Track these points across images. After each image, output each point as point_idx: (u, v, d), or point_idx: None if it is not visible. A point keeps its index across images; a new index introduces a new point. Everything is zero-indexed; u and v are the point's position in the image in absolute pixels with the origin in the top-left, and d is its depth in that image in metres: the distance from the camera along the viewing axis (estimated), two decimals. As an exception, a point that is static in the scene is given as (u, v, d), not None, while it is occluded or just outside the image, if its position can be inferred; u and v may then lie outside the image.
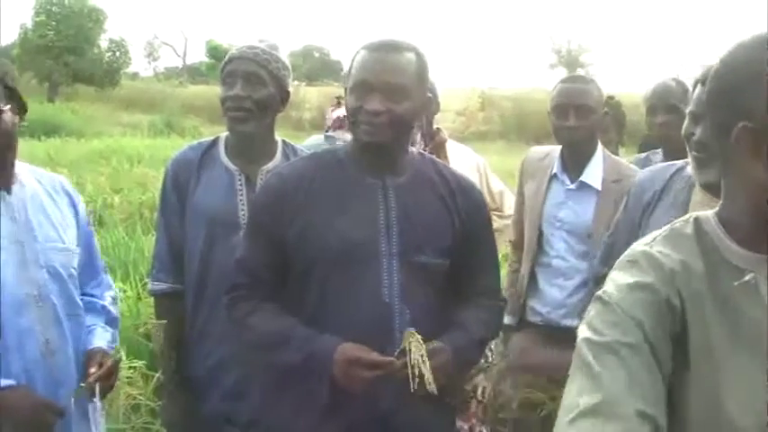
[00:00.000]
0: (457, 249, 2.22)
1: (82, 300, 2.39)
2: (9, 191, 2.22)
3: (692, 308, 1.20)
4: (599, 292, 1.28)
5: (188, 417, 2.67)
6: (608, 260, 2.41)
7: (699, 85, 2.19)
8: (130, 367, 4.16)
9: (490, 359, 2.92)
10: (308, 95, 28.73)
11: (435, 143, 3.68)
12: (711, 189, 2.16)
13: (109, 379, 2.30)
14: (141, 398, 4.02)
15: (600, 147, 3.31)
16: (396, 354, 2.03)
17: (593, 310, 1.26)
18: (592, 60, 51.23)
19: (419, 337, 2.01)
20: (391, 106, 2.09)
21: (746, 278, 1.17)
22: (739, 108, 1.16)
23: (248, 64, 2.58)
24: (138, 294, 5.01)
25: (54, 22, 35.01)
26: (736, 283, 1.18)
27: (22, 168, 2.29)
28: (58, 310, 2.24)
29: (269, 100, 2.61)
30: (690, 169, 2.28)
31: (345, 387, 2.04)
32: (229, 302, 2.27)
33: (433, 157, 2.44)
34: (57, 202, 2.35)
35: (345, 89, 2.23)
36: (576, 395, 1.15)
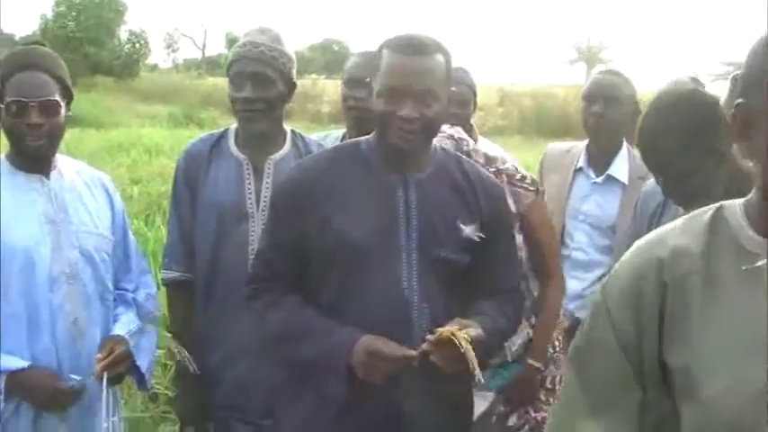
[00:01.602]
0: (477, 246, 2.22)
1: (113, 292, 2.43)
2: (48, 176, 2.31)
3: (675, 291, 1.23)
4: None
5: (201, 407, 2.70)
6: None
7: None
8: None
9: (558, 349, 2.92)
10: (326, 88, 28.71)
11: None
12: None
13: (117, 367, 2.32)
14: (159, 387, 4.05)
15: (625, 143, 3.32)
16: (429, 341, 2.01)
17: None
18: (612, 57, 50.92)
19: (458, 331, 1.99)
20: (423, 111, 2.09)
21: (759, 263, 1.16)
22: (742, 87, 1.19)
23: (255, 64, 2.59)
24: (158, 284, 5.03)
25: (74, 13, 35.18)
26: (744, 267, 1.18)
27: (63, 160, 2.38)
28: (88, 290, 2.30)
29: (278, 97, 2.64)
30: None
31: (364, 378, 2.05)
32: (250, 294, 2.29)
33: (457, 152, 2.44)
34: (94, 193, 2.42)
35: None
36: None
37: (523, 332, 2.74)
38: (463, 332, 1.98)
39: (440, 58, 2.13)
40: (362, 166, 2.22)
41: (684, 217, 1.31)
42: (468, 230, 2.21)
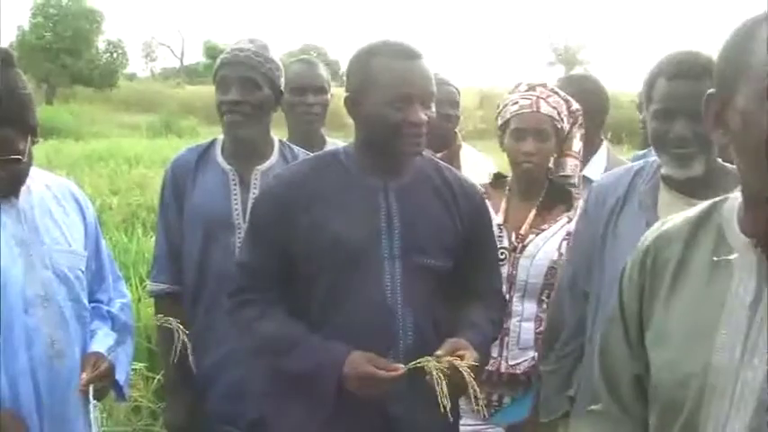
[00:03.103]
0: (459, 251, 2.22)
1: (89, 308, 2.39)
2: (17, 195, 2.24)
3: (652, 275, 1.34)
4: None
5: (191, 417, 2.68)
6: (574, 281, 2.36)
7: (665, 80, 2.14)
8: (131, 369, 4.15)
9: None
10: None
11: (452, 150, 3.64)
12: (692, 185, 2.13)
13: (102, 381, 2.29)
14: (142, 400, 4.01)
15: (605, 144, 3.32)
16: (412, 364, 1.99)
17: None
18: (589, 58, 51.26)
19: (440, 362, 1.97)
20: (429, 114, 2.11)
21: (730, 257, 1.23)
22: (715, 78, 1.25)
23: (242, 69, 2.59)
24: (139, 297, 5.00)
25: (51, 24, 35.05)
26: (715, 258, 1.25)
27: (31, 174, 2.30)
28: (64, 311, 2.26)
29: (265, 102, 2.63)
30: (661, 169, 2.22)
31: (358, 396, 2.04)
32: (234, 306, 2.27)
33: (435, 158, 2.43)
34: (64, 207, 2.36)
35: (349, 93, 2.18)
36: None
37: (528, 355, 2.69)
38: (464, 362, 1.96)
39: (427, 60, 2.15)
40: (342, 174, 2.21)
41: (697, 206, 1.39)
42: (450, 236, 2.21)
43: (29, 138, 2.18)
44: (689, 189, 2.14)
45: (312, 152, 2.86)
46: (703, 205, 1.36)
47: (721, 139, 1.24)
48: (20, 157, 2.14)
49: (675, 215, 1.41)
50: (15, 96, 2.14)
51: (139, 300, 4.96)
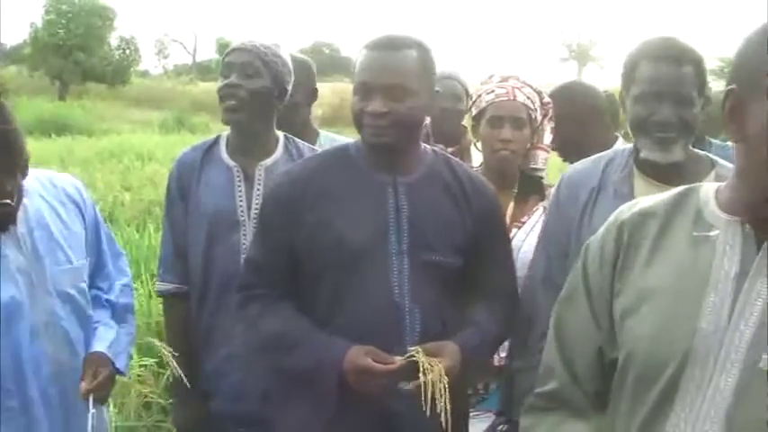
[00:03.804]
0: (470, 249, 2.19)
1: (92, 318, 2.39)
2: (14, 221, 2.20)
3: (628, 248, 1.39)
4: None
5: (198, 418, 2.67)
6: (549, 273, 2.32)
7: (648, 62, 2.12)
8: (141, 365, 4.15)
9: None
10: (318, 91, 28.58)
11: (462, 146, 3.63)
12: (668, 171, 2.13)
13: (102, 390, 2.29)
14: (153, 396, 4.01)
15: (620, 140, 3.31)
16: (404, 360, 1.99)
17: None
18: (602, 54, 51.06)
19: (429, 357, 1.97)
20: (394, 106, 2.07)
21: (711, 233, 1.31)
22: (734, 73, 1.29)
23: (244, 55, 2.60)
24: (150, 292, 5.00)
25: (64, 21, 35.09)
26: (695, 234, 1.33)
27: (26, 183, 2.24)
28: (69, 332, 2.27)
29: (263, 91, 2.60)
30: (640, 153, 2.19)
31: (359, 392, 2.02)
32: (241, 301, 2.26)
33: (448, 154, 2.40)
34: (62, 216, 2.32)
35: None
36: None
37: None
38: (437, 366, 1.94)
39: (412, 52, 2.11)
40: (351, 169, 2.20)
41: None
42: (460, 234, 2.18)
43: (17, 175, 2.13)
44: (664, 176, 2.14)
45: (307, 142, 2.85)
46: (677, 189, 1.43)
47: (735, 136, 1.28)
48: (8, 201, 2.11)
49: (647, 197, 1.47)
50: (10, 150, 2.08)
51: (150, 296, 4.97)
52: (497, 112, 2.73)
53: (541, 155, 2.85)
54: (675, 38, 2.17)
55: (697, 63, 2.12)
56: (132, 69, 38.65)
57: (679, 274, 1.32)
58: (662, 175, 2.15)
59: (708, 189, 1.39)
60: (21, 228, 2.21)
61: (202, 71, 45.49)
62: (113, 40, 37.62)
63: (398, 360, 2.00)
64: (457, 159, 2.39)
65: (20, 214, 2.21)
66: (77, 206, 2.38)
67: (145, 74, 45.89)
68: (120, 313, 2.49)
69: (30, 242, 2.22)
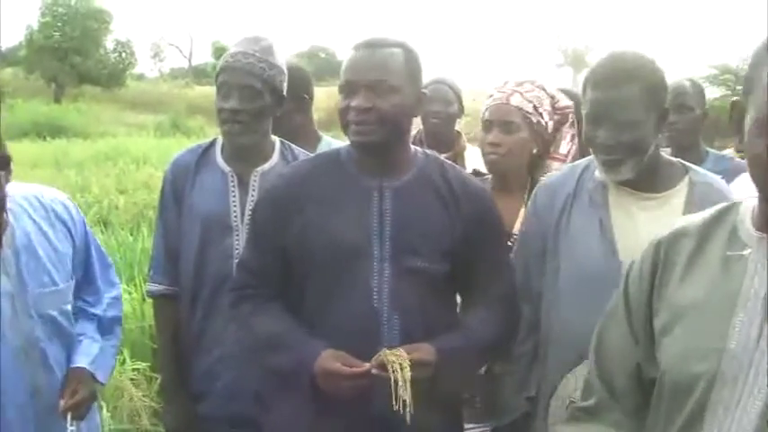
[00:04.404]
0: (459, 255, 2.17)
1: (74, 306, 2.37)
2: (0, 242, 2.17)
3: (665, 266, 1.40)
4: None
5: (189, 419, 2.67)
6: (525, 279, 2.33)
7: (590, 89, 2.14)
8: (134, 369, 4.15)
9: None
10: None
11: (455, 152, 3.62)
12: (635, 180, 2.15)
13: (80, 408, 2.27)
14: (145, 399, 4.01)
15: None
16: (373, 362, 1.99)
17: None
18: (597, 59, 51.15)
19: (397, 354, 1.97)
20: (377, 102, 2.07)
21: (744, 252, 1.30)
22: (743, 85, 1.30)
23: (243, 76, 2.55)
24: (143, 296, 4.99)
25: (60, 24, 35.09)
26: (728, 253, 1.33)
27: (14, 202, 2.21)
28: (48, 355, 2.25)
29: (264, 110, 2.60)
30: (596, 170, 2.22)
31: (330, 394, 2.02)
32: (233, 300, 2.27)
33: (440, 157, 2.38)
34: (49, 237, 2.29)
35: None
36: None
37: None
38: (406, 357, 1.95)
39: (396, 51, 2.11)
40: (340, 173, 2.20)
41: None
42: (447, 239, 2.16)
43: (7, 175, 2.09)
44: (635, 184, 2.17)
45: (306, 148, 2.84)
46: (720, 206, 1.42)
47: (738, 146, 1.29)
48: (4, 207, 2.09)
49: (688, 216, 1.49)
50: None
51: (143, 299, 4.96)
52: (488, 115, 2.74)
53: (555, 166, 2.80)
54: (622, 57, 2.14)
55: (644, 81, 2.09)
56: (128, 72, 38.66)
57: (710, 293, 1.31)
58: (633, 183, 2.16)
59: (747, 205, 1.37)
60: (6, 250, 2.18)
61: (198, 75, 45.46)
62: (109, 42, 37.66)
63: (366, 365, 1.99)
64: (451, 163, 2.38)
65: (6, 236, 2.18)
66: (65, 226, 2.34)
67: (141, 77, 45.85)
68: (106, 326, 2.48)
69: (16, 265, 2.19)
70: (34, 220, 2.28)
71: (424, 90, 2.23)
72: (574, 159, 2.77)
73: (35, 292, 2.22)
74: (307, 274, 2.15)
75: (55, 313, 2.27)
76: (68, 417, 2.23)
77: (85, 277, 2.44)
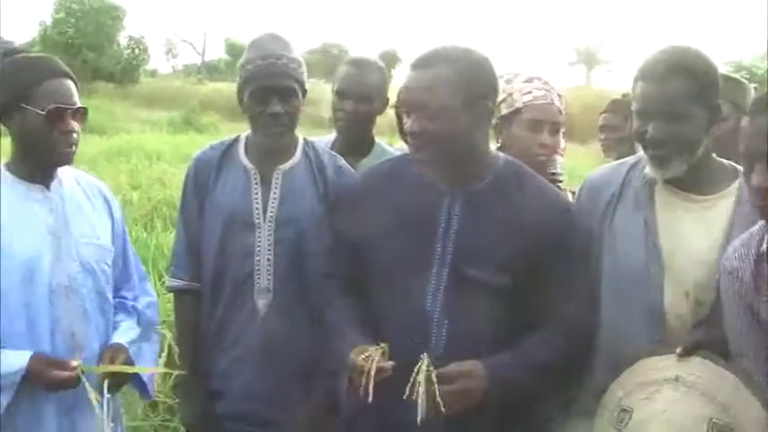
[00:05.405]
0: (521, 268, 2.09)
1: (113, 303, 2.39)
2: (48, 187, 2.27)
3: None
4: None
5: (206, 416, 2.67)
6: None
7: (641, 82, 2.13)
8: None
9: None
10: (327, 93, 28.58)
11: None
12: (684, 180, 2.13)
13: (116, 375, 2.29)
14: (159, 395, 4.02)
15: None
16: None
17: None
18: (610, 58, 51.01)
19: (428, 366, 1.96)
20: (428, 126, 2.08)
21: None
22: None
23: (280, 79, 2.55)
24: (158, 292, 5.01)
25: (73, 20, 35.12)
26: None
27: (62, 168, 2.34)
28: (86, 304, 2.28)
29: (299, 107, 2.62)
30: (646, 166, 2.19)
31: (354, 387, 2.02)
32: (324, 285, 2.32)
33: (521, 164, 2.31)
34: (93, 203, 2.38)
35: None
36: None
37: None
38: (432, 372, 1.94)
39: (442, 70, 2.08)
40: (413, 177, 2.21)
41: None
42: (511, 251, 2.11)
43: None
44: (681, 184, 2.14)
45: (359, 155, 2.90)
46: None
47: None
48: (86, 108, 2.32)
49: None
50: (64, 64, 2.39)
51: (158, 295, 4.98)
52: (538, 115, 2.67)
53: (559, 160, 2.81)
54: (672, 51, 2.12)
55: (694, 76, 2.07)
56: (141, 69, 38.68)
57: None
58: (681, 183, 2.14)
59: None
60: (54, 194, 2.27)
61: (211, 71, 45.51)
62: (123, 39, 37.65)
63: (390, 364, 1.98)
64: (533, 172, 2.30)
65: (54, 185, 2.28)
66: (107, 203, 2.45)
67: (154, 73, 45.91)
68: (145, 326, 2.50)
69: (61, 208, 2.28)
70: (80, 185, 2.39)
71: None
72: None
73: (79, 240, 2.28)
74: (371, 272, 2.19)
75: (96, 268, 2.31)
76: (105, 385, 2.22)
77: (123, 272, 2.49)
